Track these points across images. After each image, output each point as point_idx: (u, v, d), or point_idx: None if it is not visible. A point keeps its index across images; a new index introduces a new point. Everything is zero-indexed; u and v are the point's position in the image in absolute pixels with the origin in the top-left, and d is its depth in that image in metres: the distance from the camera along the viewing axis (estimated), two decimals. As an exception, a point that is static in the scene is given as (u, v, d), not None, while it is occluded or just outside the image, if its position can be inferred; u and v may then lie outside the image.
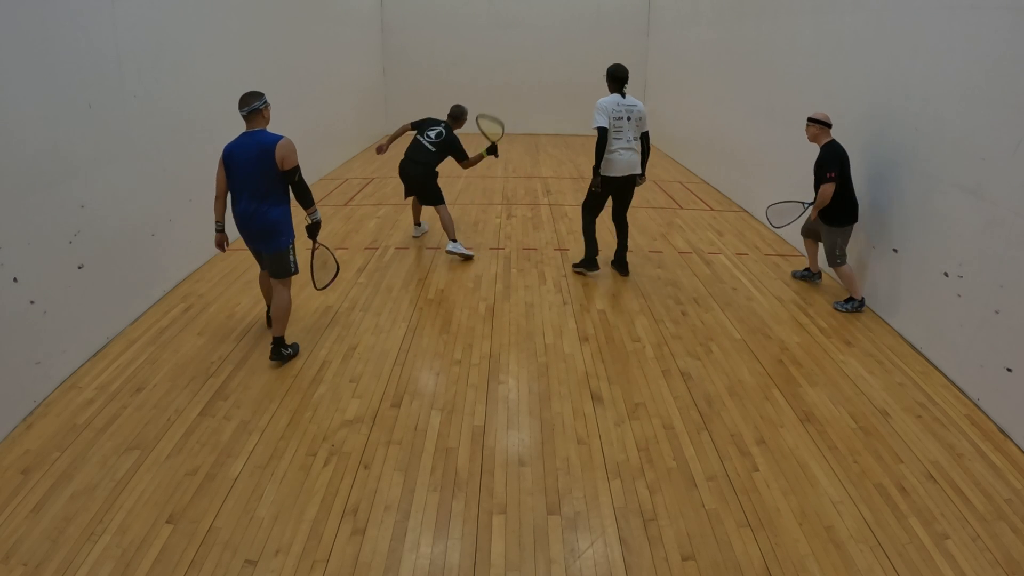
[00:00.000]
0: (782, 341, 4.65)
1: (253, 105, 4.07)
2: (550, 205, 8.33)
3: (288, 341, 4.38)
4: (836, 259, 5.12)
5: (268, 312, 4.71)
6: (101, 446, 3.39)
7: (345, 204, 8.30)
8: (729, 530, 2.89)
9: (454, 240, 6.26)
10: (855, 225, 5.09)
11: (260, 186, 4.06)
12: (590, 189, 5.66)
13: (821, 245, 5.43)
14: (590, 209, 5.77)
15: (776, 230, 5.67)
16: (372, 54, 13.37)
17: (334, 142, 10.66)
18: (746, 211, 8.07)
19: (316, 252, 4.39)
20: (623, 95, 5.49)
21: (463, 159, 6.36)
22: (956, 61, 4.17)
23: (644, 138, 5.60)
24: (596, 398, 3.92)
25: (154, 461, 3.29)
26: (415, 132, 6.43)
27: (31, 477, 3.15)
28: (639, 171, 5.62)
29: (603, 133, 5.37)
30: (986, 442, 3.52)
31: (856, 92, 5.43)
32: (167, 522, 2.88)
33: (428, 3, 13.93)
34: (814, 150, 5.50)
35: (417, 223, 7.02)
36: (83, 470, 3.21)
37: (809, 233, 5.53)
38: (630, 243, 6.73)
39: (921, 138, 4.52)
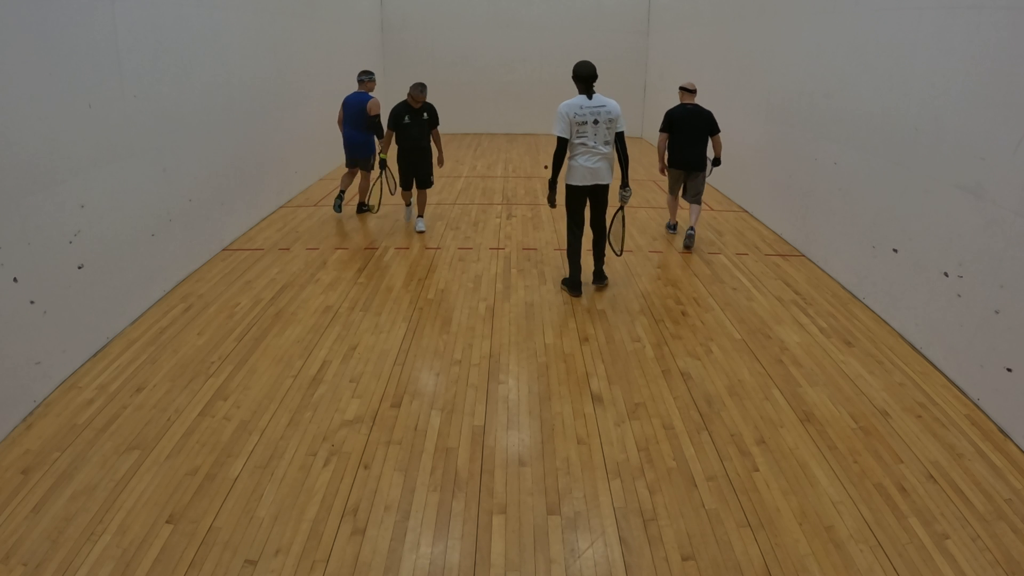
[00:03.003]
0: (782, 341, 4.65)
1: (360, 78, 7.34)
2: (550, 205, 8.31)
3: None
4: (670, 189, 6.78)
5: (340, 193, 7.63)
6: (101, 446, 3.39)
7: (345, 203, 8.28)
8: (729, 530, 2.89)
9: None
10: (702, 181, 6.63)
11: (359, 122, 7.23)
12: (551, 204, 5.23)
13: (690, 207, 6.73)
14: (571, 225, 5.30)
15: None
16: (372, 54, 13.37)
17: (333, 142, 10.62)
18: (746, 211, 8.08)
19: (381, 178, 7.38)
20: (590, 96, 4.93)
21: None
22: (956, 61, 4.17)
23: (619, 140, 5.05)
24: (596, 398, 3.92)
25: (154, 461, 3.29)
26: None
27: (31, 477, 3.15)
28: (607, 180, 5.09)
29: (561, 143, 4.93)
30: (986, 442, 3.52)
31: (855, 92, 5.43)
32: (167, 522, 2.88)
33: (428, 3, 13.92)
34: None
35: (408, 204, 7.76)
36: (83, 470, 3.21)
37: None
38: (631, 243, 6.73)
39: (921, 138, 4.52)
